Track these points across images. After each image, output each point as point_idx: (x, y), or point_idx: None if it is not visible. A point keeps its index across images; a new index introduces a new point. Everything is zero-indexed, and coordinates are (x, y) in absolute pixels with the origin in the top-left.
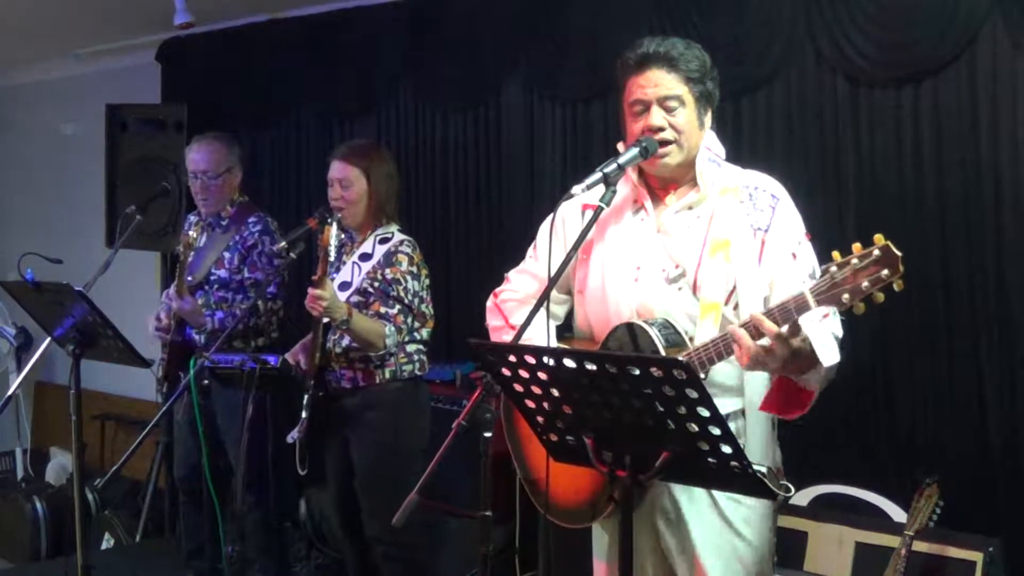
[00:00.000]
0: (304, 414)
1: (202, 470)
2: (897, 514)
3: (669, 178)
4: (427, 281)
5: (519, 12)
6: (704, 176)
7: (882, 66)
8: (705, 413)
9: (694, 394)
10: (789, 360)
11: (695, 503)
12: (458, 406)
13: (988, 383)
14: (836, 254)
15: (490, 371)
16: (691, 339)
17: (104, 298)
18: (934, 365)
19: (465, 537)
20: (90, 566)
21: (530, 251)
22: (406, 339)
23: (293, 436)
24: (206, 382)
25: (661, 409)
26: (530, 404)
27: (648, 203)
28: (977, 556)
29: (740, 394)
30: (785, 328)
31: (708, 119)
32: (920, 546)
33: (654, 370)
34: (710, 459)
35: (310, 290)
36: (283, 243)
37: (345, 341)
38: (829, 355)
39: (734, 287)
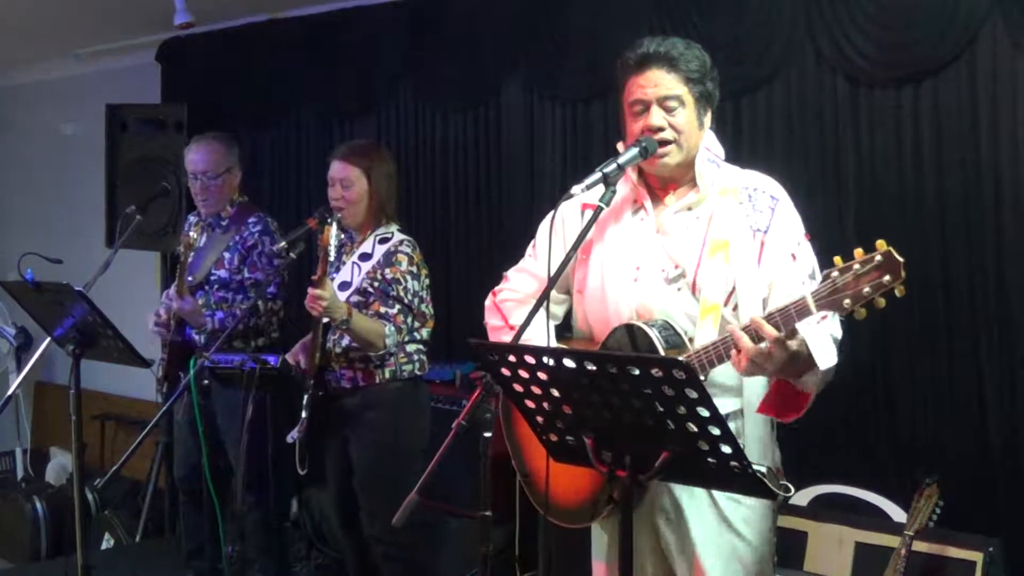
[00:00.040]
0: (304, 414)
1: (202, 470)
2: (897, 514)
3: (668, 178)
4: (427, 281)
5: (519, 12)
6: (703, 176)
7: (882, 66)
8: (705, 413)
9: (694, 394)
10: (787, 363)
11: (695, 502)
12: (458, 406)
13: (988, 383)
14: (838, 259)
15: (490, 371)
16: (690, 340)
17: (104, 298)
18: (934, 365)
19: (465, 537)
20: (90, 566)
21: (529, 250)
22: (406, 339)
23: (293, 436)
24: (206, 382)
25: (661, 409)
26: (530, 404)
27: (648, 203)
28: (977, 556)
29: (739, 394)
30: (783, 332)
31: (708, 119)
32: (920, 546)
33: (654, 370)
34: (710, 459)
35: (310, 290)
36: (283, 243)
37: (345, 341)
38: (826, 358)
39: (733, 288)
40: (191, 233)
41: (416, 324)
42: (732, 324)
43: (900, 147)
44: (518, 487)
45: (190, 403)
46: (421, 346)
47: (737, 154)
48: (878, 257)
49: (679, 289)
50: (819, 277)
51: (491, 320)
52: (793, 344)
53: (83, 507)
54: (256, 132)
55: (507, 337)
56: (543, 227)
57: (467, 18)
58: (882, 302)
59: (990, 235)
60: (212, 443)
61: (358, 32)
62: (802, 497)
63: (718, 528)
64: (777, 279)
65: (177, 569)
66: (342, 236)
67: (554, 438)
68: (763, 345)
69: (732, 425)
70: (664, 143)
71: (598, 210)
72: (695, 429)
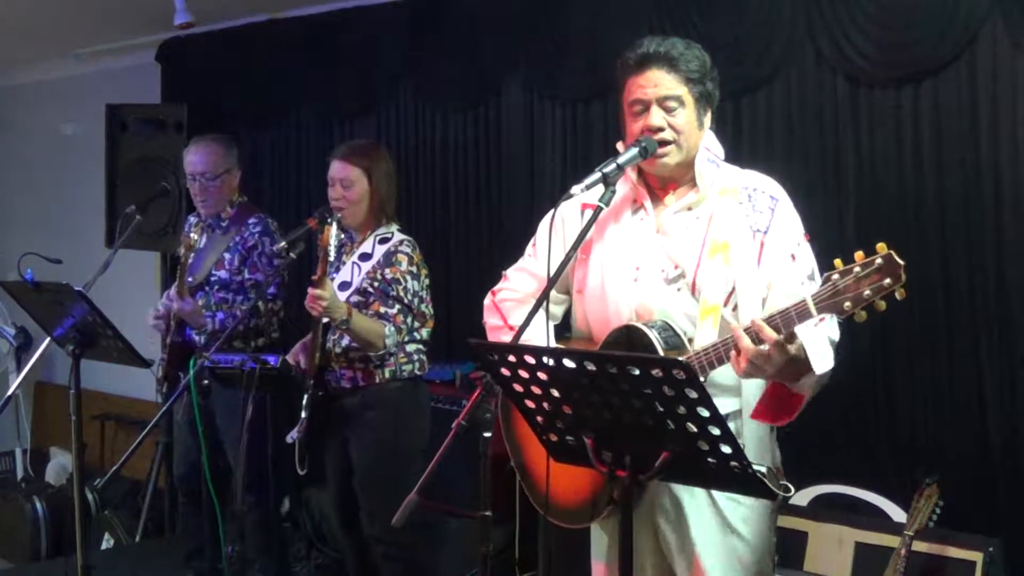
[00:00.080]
0: (304, 414)
1: (201, 470)
2: (897, 514)
3: (668, 178)
4: (427, 281)
5: (519, 12)
6: (703, 177)
7: (882, 66)
8: (705, 413)
9: (694, 394)
10: (786, 367)
11: (695, 502)
12: (458, 406)
13: (988, 383)
14: (838, 262)
15: (490, 371)
16: (690, 340)
17: (104, 298)
18: (934, 365)
19: (465, 537)
20: (90, 566)
21: (529, 248)
22: (406, 339)
23: (293, 436)
24: (206, 382)
25: (661, 409)
26: (530, 404)
27: (647, 203)
28: (977, 556)
29: (738, 394)
30: (783, 334)
31: (708, 119)
32: (920, 546)
33: (654, 370)
34: (710, 459)
35: (310, 290)
36: (283, 243)
37: (345, 341)
38: (822, 363)
39: (733, 288)
40: (191, 234)
41: (416, 324)
42: (732, 324)
43: (900, 147)
44: (518, 487)
45: (190, 403)
46: (421, 346)
47: (737, 154)
48: (879, 260)
49: (679, 289)
50: (818, 278)
51: (490, 320)
52: (792, 348)
53: (83, 507)
54: (256, 132)
55: (506, 337)
56: (543, 226)
57: (467, 18)
58: (882, 305)
59: (990, 235)
60: (211, 443)
61: (358, 32)
62: (802, 497)
63: (717, 528)
64: (776, 279)
65: (177, 569)
66: (342, 236)
67: (554, 438)
68: (763, 347)
69: (731, 425)
70: (664, 143)
71: (598, 210)
72: (695, 429)
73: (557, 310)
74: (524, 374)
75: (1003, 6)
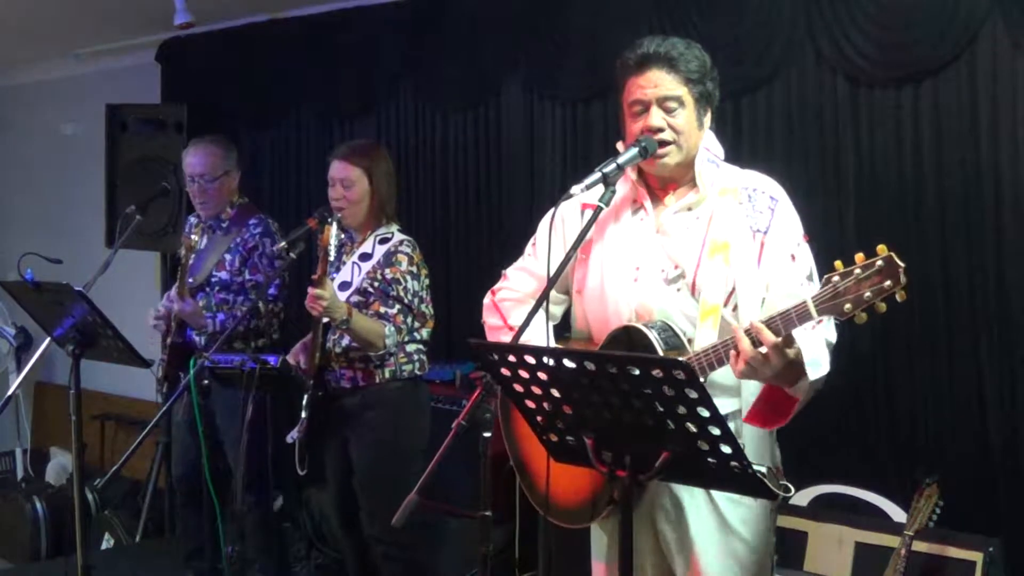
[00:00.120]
0: (304, 414)
1: (199, 471)
2: (897, 514)
3: (668, 178)
4: (427, 281)
5: (519, 12)
6: (703, 177)
7: (882, 66)
8: (705, 413)
9: (694, 394)
10: (784, 370)
11: (695, 502)
12: (458, 406)
13: (988, 383)
14: (839, 264)
15: (490, 371)
16: (690, 341)
17: (104, 298)
18: (934, 365)
19: (465, 537)
20: (90, 566)
21: (529, 248)
22: (406, 339)
23: (292, 436)
24: (206, 382)
25: (661, 409)
26: (530, 404)
27: (647, 203)
28: (977, 556)
29: (737, 394)
30: (783, 335)
31: (708, 119)
32: (920, 546)
33: (654, 371)
34: (710, 459)
35: (310, 290)
36: (283, 243)
37: (345, 341)
38: (817, 369)
39: (733, 289)
40: (192, 235)
41: (416, 324)
42: (732, 325)
43: (900, 147)
44: (518, 487)
45: (190, 403)
46: (421, 346)
47: (737, 154)
48: (879, 262)
49: (679, 290)
50: (817, 278)
51: (490, 319)
52: (791, 352)
53: (83, 507)
54: (256, 132)
55: (506, 337)
56: (543, 226)
57: (467, 18)
58: (883, 307)
59: (990, 235)
60: (211, 443)
61: (358, 32)
62: (802, 497)
63: (717, 528)
64: (776, 280)
65: (177, 569)
66: (342, 236)
67: (554, 438)
68: (761, 350)
69: (731, 425)
70: (664, 143)
71: (598, 210)
72: (695, 429)
73: (557, 310)
74: (524, 374)
75: (1003, 6)
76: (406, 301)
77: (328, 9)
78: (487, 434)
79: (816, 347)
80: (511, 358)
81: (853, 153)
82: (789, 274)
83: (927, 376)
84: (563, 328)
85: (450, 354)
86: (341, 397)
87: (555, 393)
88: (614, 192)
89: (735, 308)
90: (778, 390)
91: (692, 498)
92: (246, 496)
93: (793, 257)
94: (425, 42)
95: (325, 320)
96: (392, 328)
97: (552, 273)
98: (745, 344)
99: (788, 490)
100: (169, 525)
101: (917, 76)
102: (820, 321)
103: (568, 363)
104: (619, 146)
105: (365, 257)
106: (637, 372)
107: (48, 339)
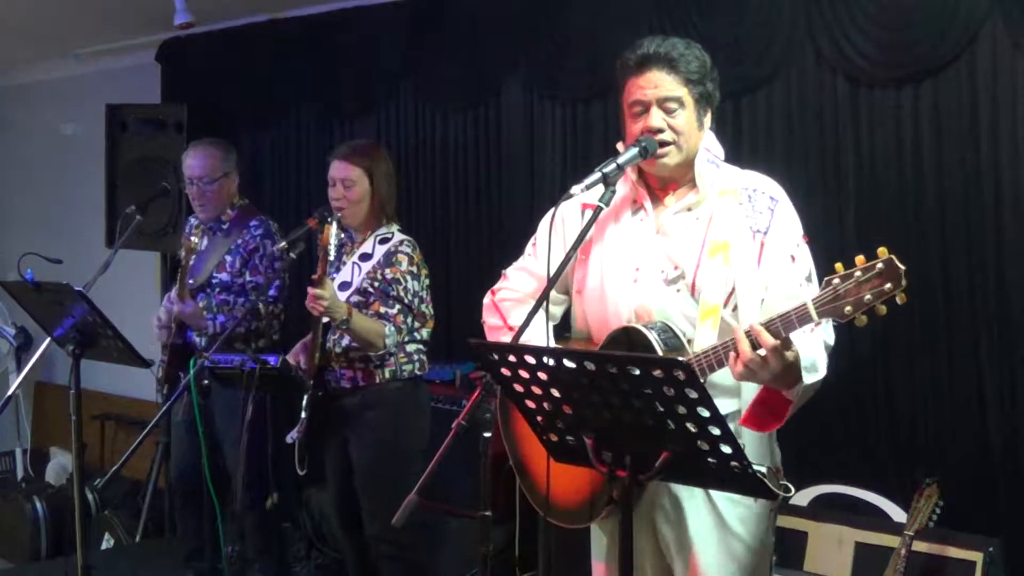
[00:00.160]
0: (304, 414)
1: (198, 471)
2: (897, 514)
3: (668, 178)
4: (427, 281)
5: (519, 12)
6: (703, 177)
7: (882, 66)
8: (705, 413)
9: (694, 394)
10: (783, 373)
11: (694, 502)
12: (458, 406)
13: (988, 383)
14: (839, 266)
15: (490, 371)
16: (689, 341)
17: (104, 298)
18: (934, 365)
19: (465, 537)
20: (90, 566)
21: (529, 248)
22: (406, 339)
23: (292, 436)
24: (206, 382)
25: (661, 409)
26: (530, 404)
27: (647, 203)
28: (977, 556)
29: (737, 395)
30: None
31: (708, 120)
32: (920, 546)
33: (655, 371)
34: (710, 459)
35: (310, 290)
36: (283, 243)
37: (345, 341)
38: (813, 375)
39: (733, 289)
40: (192, 237)
41: (416, 324)
42: (732, 325)
43: (900, 147)
44: (518, 487)
45: (190, 403)
46: (421, 346)
47: (737, 154)
48: (880, 264)
49: (678, 290)
50: (816, 279)
51: (489, 319)
52: (790, 355)
53: (83, 507)
54: (256, 132)
55: (505, 337)
56: (543, 226)
57: (467, 18)
58: (883, 309)
59: (990, 235)
60: (210, 444)
61: (358, 32)
62: (802, 497)
63: (715, 528)
64: (774, 280)
65: (177, 569)
66: (342, 236)
67: (554, 438)
68: (760, 352)
69: (731, 425)
70: (664, 144)
71: (598, 210)
72: (695, 429)
73: (556, 310)
74: (524, 374)
75: (1003, 6)
76: (406, 301)
77: (328, 9)
78: (487, 434)
79: (814, 350)
80: (511, 358)
81: (853, 153)
82: (788, 275)
83: (927, 376)
84: (563, 328)
85: (450, 354)
86: (341, 397)
87: (555, 393)
88: (614, 192)
89: (735, 309)
90: (775, 393)
91: (691, 498)
92: (246, 496)
93: (793, 258)
94: (425, 42)
95: (325, 320)
96: (392, 328)
97: (552, 273)
98: (744, 346)
99: (788, 490)
100: (169, 525)
101: (917, 76)
102: (819, 323)
103: (568, 363)
104: (619, 146)
105: (365, 257)
106: (637, 372)
107: (48, 339)
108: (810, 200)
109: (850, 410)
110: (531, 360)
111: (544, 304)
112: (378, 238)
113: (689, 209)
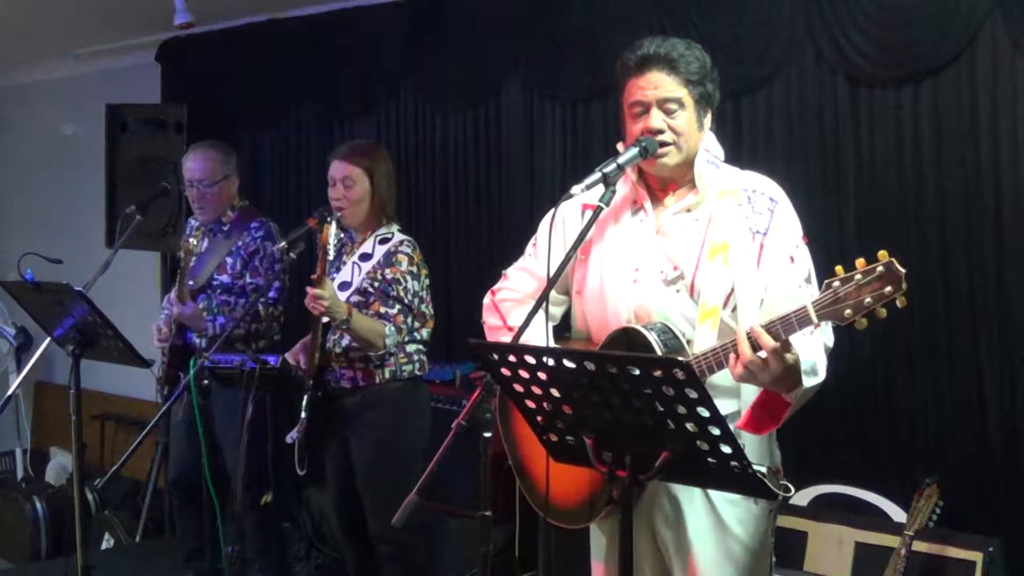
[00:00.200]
0: (303, 414)
1: (197, 471)
2: (897, 514)
3: (668, 179)
4: (427, 281)
5: (519, 12)
6: (703, 178)
7: (882, 66)
8: (705, 413)
9: (694, 394)
10: (783, 375)
11: (693, 503)
12: (458, 406)
13: (988, 383)
14: (839, 269)
15: (490, 371)
16: (689, 342)
17: (104, 298)
18: (934, 365)
19: (465, 537)
20: (90, 566)
21: (529, 248)
22: (406, 339)
23: (292, 436)
24: (205, 382)
25: (661, 409)
26: (530, 404)
27: (647, 204)
28: (977, 556)
29: (737, 395)
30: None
31: (708, 120)
32: (920, 546)
33: (655, 371)
34: (710, 459)
35: (309, 289)
36: (283, 243)
37: (345, 341)
38: (812, 378)
39: (732, 290)
40: (191, 238)
41: (416, 324)
42: (732, 326)
43: (900, 147)
44: (518, 487)
45: (189, 403)
46: (421, 346)
47: (737, 154)
48: (880, 268)
49: (678, 291)
50: (815, 281)
51: (489, 319)
52: (790, 357)
53: (83, 507)
54: (256, 132)
55: (505, 337)
56: (543, 226)
57: (467, 18)
58: (883, 312)
59: (990, 235)
60: (210, 444)
61: (358, 32)
62: (802, 497)
63: (714, 529)
64: (773, 281)
65: (177, 569)
66: (342, 236)
67: (554, 438)
68: (760, 354)
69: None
70: (664, 144)
71: (598, 210)
72: (695, 429)
73: (556, 311)
74: (524, 374)
75: (1003, 6)
76: (406, 301)
77: (328, 9)
78: (487, 434)
79: (814, 353)
80: (511, 358)
81: (853, 153)
82: (787, 276)
83: (927, 376)
84: (563, 328)
85: (450, 354)
86: (341, 397)
87: (555, 393)
88: (614, 192)
89: (734, 309)
90: (775, 396)
91: (690, 500)
92: (246, 496)
93: (792, 259)
94: (425, 42)
95: (325, 320)
96: (392, 328)
97: (552, 273)
98: (745, 347)
99: (788, 490)
100: (169, 525)
101: (917, 76)
102: (818, 326)
103: (568, 363)
104: (619, 146)
105: (365, 257)
106: (637, 372)
107: (48, 339)
108: (810, 200)
109: (850, 410)
110: (531, 360)
111: (544, 304)
112: (378, 238)
113: (689, 210)
